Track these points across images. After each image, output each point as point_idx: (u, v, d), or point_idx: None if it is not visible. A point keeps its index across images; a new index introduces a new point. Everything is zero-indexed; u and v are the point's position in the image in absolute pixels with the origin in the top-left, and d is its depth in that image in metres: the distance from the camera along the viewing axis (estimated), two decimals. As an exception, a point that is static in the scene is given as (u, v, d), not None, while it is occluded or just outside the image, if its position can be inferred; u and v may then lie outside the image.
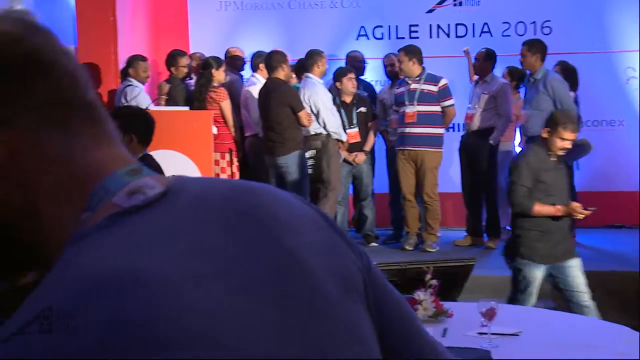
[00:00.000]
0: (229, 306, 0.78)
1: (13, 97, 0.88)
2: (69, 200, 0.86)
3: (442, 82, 7.04)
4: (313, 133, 7.08)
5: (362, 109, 7.26)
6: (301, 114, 6.72)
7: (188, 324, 0.75)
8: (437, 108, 7.27)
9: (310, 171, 7.18)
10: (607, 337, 3.58)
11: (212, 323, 0.76)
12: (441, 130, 7.29)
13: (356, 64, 7.95)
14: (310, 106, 6.98)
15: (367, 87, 8.16)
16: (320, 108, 7.05)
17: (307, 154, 7.03)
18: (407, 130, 7.24)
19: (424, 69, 7.21)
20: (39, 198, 0.87)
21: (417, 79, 7.29)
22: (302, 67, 7.42)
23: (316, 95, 7.08)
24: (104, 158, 0.89)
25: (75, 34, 7.46)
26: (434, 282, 3.67)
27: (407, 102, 7.22)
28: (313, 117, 7.00)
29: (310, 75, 7.18)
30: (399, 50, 7.48)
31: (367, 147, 7.52)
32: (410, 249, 7.06)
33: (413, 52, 7.29)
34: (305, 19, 9.17)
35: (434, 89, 7.30)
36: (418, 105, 7.18)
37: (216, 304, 0.77)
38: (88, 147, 0.89)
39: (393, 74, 7.87)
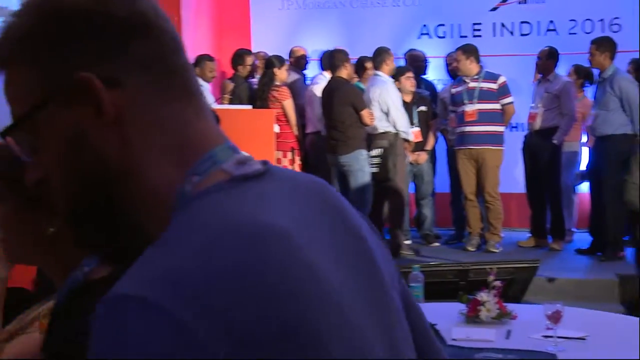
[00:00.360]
0: (335, 267, 0.85)
1: (119, 53, 0.89)
2: (174, 164, 0.88)
3: (501, 79, 6.99)
4: (381, 131, 7.03)
5: (423, 108, 7.23)
6: (364, 112, 6.71)
7: (310, 269, 0.81)
8: (497, 106, 7.23)
9: (375, 170, 7.09)
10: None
11: (321, 271, 0.83)
12: (502, 128, 7.23)
13: (417, 63, 7.92)
14: (380, 104, 6.94)
15: (429, 85, 8.11)
16: (391, 107, 7.01)
17: (374, 152, 7.00)
18: (468, 129, 7.17)
19: (481, 67, 7.16)
20: (140, 160, 0.88)
21: (476, 77, 7.25)
22: (362, 66, 7.40)
23: (387, 94, 7.03)
24: (208, 129, 0.92)
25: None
26: (498, 283, 3.64)
27: (466, 101, 7.17)
28: (382, 116, 6.94)
29: (379, 73, 7.13)
30: (456, 50, 7.43)
31: (429, 147, 7.49)
32: (473, 249, 7.02)
33: (470, 51, 7.22)
34: (367, 17, 9.13)
35: (494, 86, 7.26)
36: (478, 103, 7.14)
37: (324, 260, 0.84)
38: (192, 116, 0.91)
39: (455, 73, 7.79)
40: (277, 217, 0.85)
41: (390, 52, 7.23)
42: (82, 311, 1.28)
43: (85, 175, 0.91)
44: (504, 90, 7.00)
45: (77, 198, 0.93)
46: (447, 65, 8.06)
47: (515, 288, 4.45)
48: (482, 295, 3.48)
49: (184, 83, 0.93)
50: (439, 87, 8.29)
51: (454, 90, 7.37)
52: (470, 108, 7.13)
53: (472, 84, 7.18)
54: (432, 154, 7.70)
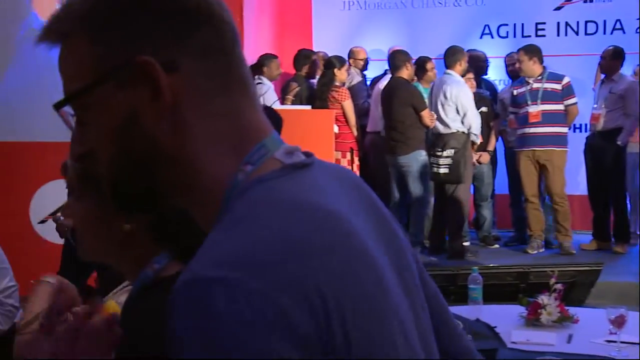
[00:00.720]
0: (378, 254, 0.89)
1: (181, 39, 0.90)
2: (227, 153, 0.90)
3: (565, 80, 6.91)
4: (455, 131, 6.99)
5: (483, 109, 7.19)
6: (424, 113, 6.70)
7: (367, 253, 0.85)
8: (561, 107, 7.11)
9: (445, 170, 7.07)
10: None
11: (374, 257, 0.87)
12: (565, 129, 7.13)
13: (478, 63, 7.87)
14: (456, 105, 6.90)
15: (489, 86, 8.07)
16: (468, 108, 6.97)
17: (446, 153, 6.95)
18: (532, 130, 7.10)
19: (545, 67, 7.07)
20: (192, 147, 0.90)
21: (539, 78, 7.16)
22: (422, 66, 7.39)
23: (464, 95, 7.01)
24: (261, 120, 0.94)
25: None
26: (559, 286, 3.61)
27: (529, 102, 7.08)
28: (456, 116, 6.90)
29: (452, 72, 7.08)
30: (518, 50, 7.37)
31: (490, 147, 7.47)
32: (533, 252, 6.97)
33: (533, 51, 7.14)
34: (428, 17, 9.11)
35: (558, 87, 7.15)
36: (542, 104, 7.03)
37: (372, 246, 0.88)
38: (246, 107, 0.93)
39: (515, 73, 7.72)
40: (333, 203, 0.88)
41: (464, 52, 7.19)
42: (152, 306, 1.35)
43: (132, 156, 0.92)
44: (568, 91, 6.93)
45: (121, 177, 0.94)
46: (507, 66, 7.99)
47: (577, 291, 4.39)
48: (543, 298, 3.46)
49: (240, 74, 0.95)
50: (501, 87, 8.21)
51: (516, 92, 7.29)
52: (534, 109, 7.06)
53: (535, 85, 7.11)
54: (493, 156, 7.66)
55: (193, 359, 0.77)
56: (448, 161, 6.99)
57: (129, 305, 1.57)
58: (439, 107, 7.16)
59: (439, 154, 7.02)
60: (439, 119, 7.03)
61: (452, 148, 7.03)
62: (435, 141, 7.08)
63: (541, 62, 7.14)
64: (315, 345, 0.78)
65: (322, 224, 0.85)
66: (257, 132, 0.94)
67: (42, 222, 6.64)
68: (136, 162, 0.93)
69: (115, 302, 1.89)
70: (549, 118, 7.03)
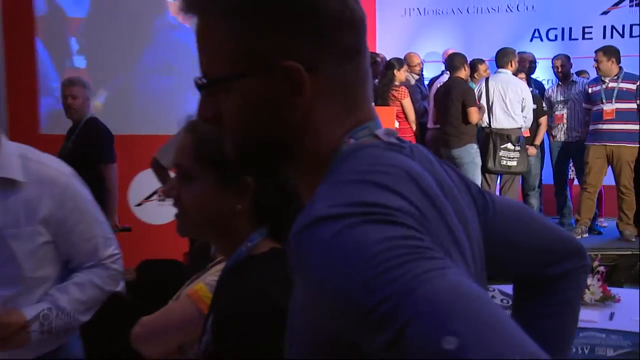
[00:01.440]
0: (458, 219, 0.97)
1: (325, 43, 0.93)
2: (341, 128, 0.95)
3: (640, 80, 6.93)
4: (520, 126, 7.06)
5: (533, 106, 7.26)
6: (472, 109, 6.79)
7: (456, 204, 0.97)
8: (634, 105, 7.10)
9: (514, 163, 7.12)
10: None
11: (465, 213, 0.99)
12: (637, 127, 7.13)
13: (527, 63, 7.93)
14: (522, 101, 6.97)
15: (538, 85, 8.13)
16: (529, 104, 7.02)
17: (517, 147, 7.01)
18: (605, 127, 7.06)
19: (621, 68, 7.09)
20: (315, 130, 0.95)
21: (615, 77, 7.14)
22: (474, 67, 7.46)
23: (527, 92, 7.07)
24: (370, 108, 1.00)
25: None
26: (602, 268, 3.66)
27: (604, 100, 7.09)
28: (520, 112, 6.95)
29: (506, 71, 7.19)
30: (596, 51, 7.29)
31: (537, 142, 7.50)
32: (578, 237, 6.95)
33: (611, 52, 7.12)
34: (482, 22, 9.16)
35: (632, 87, 7.12)
36: (616, 102, 7.08)
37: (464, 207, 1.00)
38: (363, 96, 0.99)
39: (563, 74, 7.71)
40: (421, 168, 0.94)
41: (515, 53, 7.23)
42: (244, 279, 1.47)
43: (261, 134, 0.96)
44: (643, 90, 6.95)
45: (247, 147, 0.98)
46: (554, 67, 7.95)
47: (618, 273, 4.51)
48: (587, 279, 3.53)
49: (366, 69, 0.99)
50: (547, 86, 8.23)
51: (591, 90, 7.25)
52: (609, 107, 7.05)
53: (611, 84, 7.08)
54: (541, 149, 7.72)
55: (335, 285, 0.79)
56: (517, 154, 7.03)
57: (224, 277, 1.60)
58: (506, 102, 7.12)
59: (511, 147, 7.00)
60: (506, 113, 6.98)
61: (519, 142, 7.07)
62: (499, 135, 7.04)
63: (618, 62, 7.13)
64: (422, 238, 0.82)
65: (417, 178, 0.90)
66: (365, 116, 0.98)
67: (139, 205, 7.08)
68: (265, 137, 0.97)
69: (204, 283, 1.92)
70: (622, 116, 7.02)
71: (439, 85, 7.44)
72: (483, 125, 7.14)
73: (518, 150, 7.05)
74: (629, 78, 7.13)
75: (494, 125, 7.05)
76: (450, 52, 7.57)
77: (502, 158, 6.99)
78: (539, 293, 1.26)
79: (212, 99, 0.98)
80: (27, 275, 2.34)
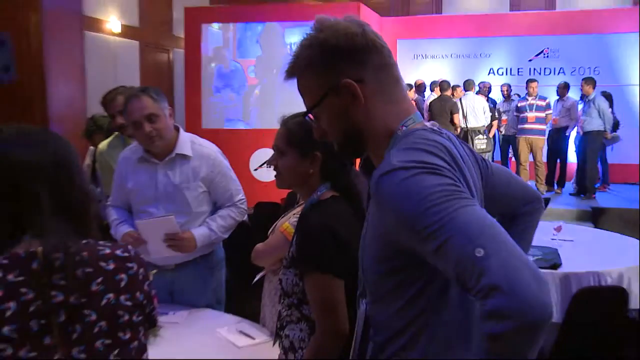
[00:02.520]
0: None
1: (362, 64, 1.20)
2: (393, 122, 1.22)
3: None
4: (484, 124, 8.76)
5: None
6: (456, 115, 8.55)
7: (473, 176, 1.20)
8: (543, 114, 8.61)
9: (484, 146, 8.66)
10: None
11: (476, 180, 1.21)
12: (544, 127, 8.61)
13: (486, 88, 9.54)
14: (483, 108, 8.79)
15: (492, 101, 9.63)
16: (487, 111, 8.79)
17: (484, 137, 8.80)
18: (527, 126, 8.56)
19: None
20: (375, 121, 1.23)
21: (534, 97, 8.55)
22: (454, 90, 9.12)
23: (485, 104, 8.82)
24: (409, 103, 1.25)
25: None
26: None
27: (528, 111, 8.58)
28: (481, 116, 8.69)
29: (470, 92, 8.83)
30: (527, 81, 8.72)
31: (491, 134, 9.20)
32: None
33: (534, 82, 8.55)
34: (461, 63, 10.59)
35: (543, 103, 8.63)
36: (535, 112, 8.56)
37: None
38: (400, 95, 1.24)
39: (506, 95, 9.55)
40: (457, 148, 1.16)
41: (474, 82, 9.08)
42: (315, 216, 1.80)
43: (347, 131, 1.25)
44: None
45: (342, 142, 1.29)
46: (502, 90, 9.69)
47: None
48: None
49: (396, 75, 1.23)
50: (498, 102, 9.81)
51: (520, 104, 8.76)
52: (531, 115, 8.61)
53: (531, 101, 8.63)
54: (493, 139, 9.37)
55: (404, 211, 1.05)
56: (485, 140, 8.88)
57: (303, 215, 1.86)
58: (475, 111, 8.75)
59: (481, 137, 8.71)
60: (475, 118, 8.68)
61: (485, 133, 8.83)
62: (473, 130, 8.70)
63: (536, 88, 8.61)
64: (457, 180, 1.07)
65: (446, 150, 1.12)
66: (407, 110, 1.22)
67: (256, 169, 8.38)
68: (348, 134, 1.25)
69: (288, 223, 2.27)
70: (537, 120, 8.60)
71: (432, 99, 9.18)
72: (462, 126, 8.84)
73: (486, 138, 8.94)
74: (541, 98, 8.97)
75: (469, 125, 8.93)
76: (441, 79, 9.49)
77: (477, 144, 8.78)
78: (514, 223, 1.51)
79: (318, 125, 1.30)
80: (193, 210, 2.84)
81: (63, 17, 7.96)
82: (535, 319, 0.91)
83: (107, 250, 1.35)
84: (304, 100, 1.30)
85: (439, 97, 9.32)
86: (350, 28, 1.21)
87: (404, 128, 1.21)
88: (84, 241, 1.34)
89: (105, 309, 1.31)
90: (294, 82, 1.27)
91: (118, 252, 1.37)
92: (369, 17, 9.48)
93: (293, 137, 1.88)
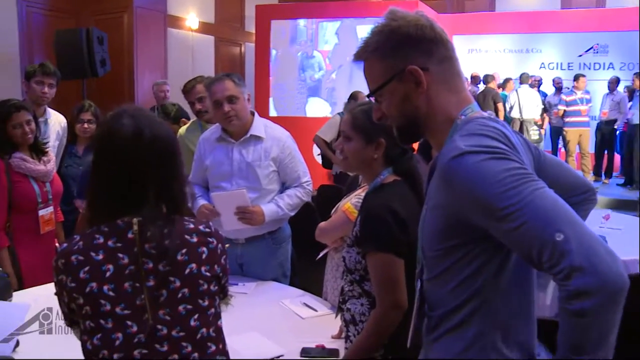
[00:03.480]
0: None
1: (428, 54, 1.19)
2: (454, 109, 1.21)
3: None
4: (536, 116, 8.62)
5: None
6: (500, 104, 8.45)
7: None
8: (587, 107, 8.57)
9: (537, 137, 8.57)
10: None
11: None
12: (587, 119, 8.62)
13: (537, 82, 9.38)
14: (535, 100, 8.63)
15: (543, 94, 9.43)
16: (539, 104, 8.63)
17: (536, 127, 8.66)
18: (576, 119, 8.52)
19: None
20: (435, 108, 1.22)
21: (582, 91, 8.48)
22: (506, 83, 9.24)
23: (538, 97, 8.71)
24: (467, 95, 1.23)
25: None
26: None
27: (579, 104, 8.51)
28: (535, 108, 8.59)
29: (525, 85, 8.68)
30: (577, 76, 8.62)
31: (544, 126, 9.07)
32: None
33: (582, 77, 8.48)
34: (516, 57, 10.32)
35: (588, 96, 8.59)
36: (585, 105, 8.49)
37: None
38: (460, 85, 1.23)
39: (557, 88, 9.30)
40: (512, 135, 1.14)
41: (529, 76, 8.89)
42: (378, 197, 1.81)
43: (407, 116, 1.24)
44: None
45: (401, 125, 1.27)
46: (554, 83, 9.43)
47: None
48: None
49: (458, 68, 1.23)
50: (548, 94, 9.58)
51: (568, 98, 8.60)
52: (583, 107, 8.55)
53: (580, 95, 8.50)
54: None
55: (478, 193, 1.04)
56: (538, 131, 8.78)
57: (367, 197, 1.85)
58: (529, 102, 8.60)
59: (535, 128, 8.58)
60: (529, 109, 8.52)
61: (537, 124, 8.73)
62: (528, 121, 8.55)
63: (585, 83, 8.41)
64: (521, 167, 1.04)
65: (505, 136, 1.12)
66: (466, 100, 1.21)
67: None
68: (409, 118, 1.23)
69: (350, 203, 2.27)
70: (585, 113, 8.50)
71: (478, 92, 9.10)
72: (517, 117, 8.69)
73: (538, 128, 8.90)
74: (586, 92, 8.93)
75: (524, 116, 8.85)
76: (486, 73, 9.49)
77: (531, 134, 8.70)
78: None
79: (378, 106, 1.28)
80: (264, 187, 2.87)
81: (150, 17, 8.39)
82: (617, 289, 0.94)
83: (192, 226, 1.42)
84: (367, 84, 1.28)
85: (484, 89, 9.28)
86: (421, 20, 1.20)
87: (462, 117, 1.20)
88: (172, 216, 1.40)
89: (188, 278, 1.37)
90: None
91: (201, 227, 1.43)
92: (427, 14, 9.27)
93: (358, 124, 1.86)
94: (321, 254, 2.50)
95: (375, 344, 1.74)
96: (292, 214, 2.95)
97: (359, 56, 1.26)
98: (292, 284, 3.01)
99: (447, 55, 1.22)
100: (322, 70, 9.35)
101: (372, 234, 1.74)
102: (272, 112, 9.23)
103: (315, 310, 2.50)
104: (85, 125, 4.08)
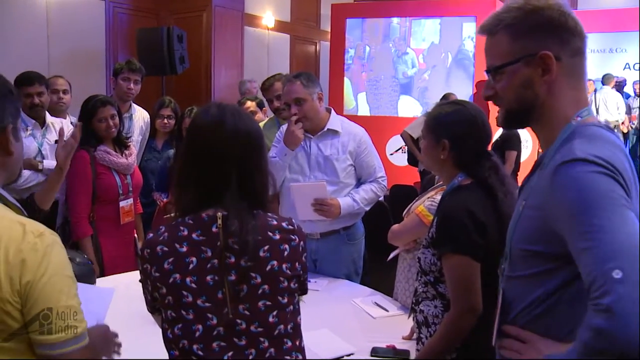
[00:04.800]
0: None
1: (565, 43, 1.15)
2: (572, 108, 1.17)
3: None
4: (617, 119, 8.39)
5: None
6: None
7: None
8: None
9: None
10: None
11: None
12: None
13: (619, 83, 9.14)
14: (616, 103, 8.32)
15: (625, 96, 9.19)
16: (621, 106, 8.39)
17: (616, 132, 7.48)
18: None
19: None
20: (554, 101, 1.18)
21: None
22: None
23: (620, 99, 8.43)
24: (586, 96, 1.19)
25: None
26: None
27: None
28: (614, 111, 8.29)
29: (607, 87, 8.40)
30: None
31: (624, 129, 9.01)
32: None
33: None
34: (598, 59, 9.38)
35: None
36: None
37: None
38: (582, 87, 1.19)
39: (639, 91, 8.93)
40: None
41: (613, 77, 8.68)
42: (455, 200, 1.78)
43: (523, 102, 1.20)
44: None
45: (512, 109, 1.22)
46: (634, 87, 9.10)
47: None
48: None
49: (585, 65, 1.18)
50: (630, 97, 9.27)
51: None
52: None
53: None
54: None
55: (574, 202, 1.01)
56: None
57: (443, 199, 1.84)
58: (607, 105, 8.37)
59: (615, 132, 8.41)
60: (607, 112, 8.25)
61: (616, 129, 8.43)
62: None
63: None
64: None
65: (622, 152, 1.08)
66: (584, 101, 1.18)
67: (392, 154, 8.13)
68: (524, 104, 1.19)
69: (423, 206, 2.25)
70: None
71: None
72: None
73: (620, 132, 8.53)
74: None
75: (605, 119, 8.39)
76: None
77: None
78: None
79: (492, 85, 1.22)
80: (342, 181, 2.91)
81: (228, 15, 8.54)
82: (624, 352, 0.93)
83: (275, 222, 1.42)
84: (488, 58, 1.23)
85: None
86: (563, 7, 1.16)
87: (578, 118, 1.16)
88: (255, 211, 1.40)
89: (268, 274, 1.37)
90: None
91: (284, 224, 1.43)
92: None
93: (430, 123, 1.89)
94: (392, 255, 2.48)
95: (447, 346, 1.72)
96: (367, 208, 2.96)
97: (487, 29, 1.21)
98: (363, 283, 3.01)
99: (581, 49, 1.18)
100: (414, 68, 9.17)
101: (449, 236, 1.72)
102: (364, 111, 9.14)
103: (387, 311, 2.49)
104: (165, 121, 4.23)
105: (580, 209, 1.00)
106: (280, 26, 10.59)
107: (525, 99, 1.19)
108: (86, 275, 2.50)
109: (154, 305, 1.43)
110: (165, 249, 1.36)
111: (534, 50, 1.15)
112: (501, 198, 1.73)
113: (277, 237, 1.39)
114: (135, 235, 3.31)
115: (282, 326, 1.39)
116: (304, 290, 1.50)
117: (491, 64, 1.22)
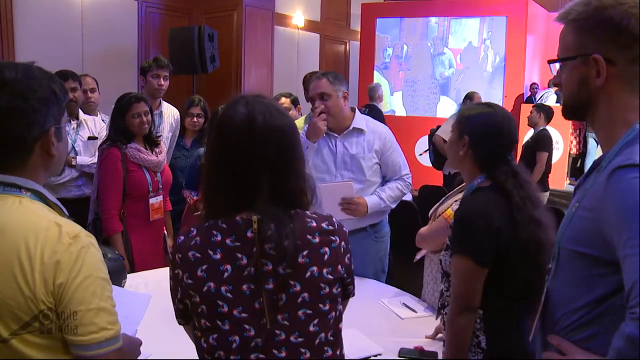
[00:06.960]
0: None
1: (623, 48, 1.12)
2: (631, 112, 1.13)
3: None
4: None
5: None
6: None
7: None
8: None
9: None
10: None
11: None
12: None
13: None
14: None
15: None
16: None
17: None
18: None
19: None
20: (613, 100, 1.15)
21: None
22: None
23: None
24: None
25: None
26: None
27: None
28: None
29: None
30: None
31: None
32: None
33: None
34: None
35: None
36: None
37: None
38: (636, 94, 1.13)
39: None
40: None
41: None
42: (475, 200, 1.78)
43: (579, 98, 1.20)
44: None
45: (569, 102, 1.23)
46: None
47: None
48: None
49: (638, 75, 1.12)
50: None
51: None
52: None
53: None
54: None
55: (628, 209, 0.99)
56: None
57: (464, 199, 1.85)
58: None
59: None
60: None
61: None
62: None
63: None
64: None
65: None
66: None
67: (421, 154, 8.23)
68: (579, 101, 1.21)
69: (450, 209, 2.26)
70: None
71: None
72: None
73: None
74: None
75: None
76: None
77: None
78: None
79: (559, 74, 1.24)
80: (368, 179, 2.94)
81: (259, 15, 8.61)
82: None
83: (314, 224, 1.33)
84: (560, 47, 1.23)
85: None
86: (633, 8, 1.11)
87: (637, 125, 1.13)
88: (292, 211, 1.32)
89: (308, 281, 1.29)
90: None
91: (324, 225, 1.34)
92: (537, 12, 9.11)
93: (458, 119, 1.90)
94: (418, 256, 2.48)
95: (455, 347, 1.72)
96: (393, 206, 2.99)
97: (560, 18, 1.21)
98: (388, 283, 3.01)
99: (637, 57, 1.14)
100: (452, 68, 9.15)
101: (457, 237, 1.73)
102: (400, 111, 9.11)
103: (415, 312, 2.48)
104: (195, 120, 4.25)
105: (629, 215, 0.99)
106: (310, 25, 10.67)
107: (580, 96, 1.19)
108: (118, 271, 2.51)
109: (184, 314, 1.35)
110: (198, 255, 1.28)
111: (590, 51, 1.14)
112: (517, 202, 1.71)
113: (317, 240, 1.30)
114: (165, 232, 3.34)
115: (323, 334, 1.32)
116: (348, 294, 1.41)
117: (558, 53, 1.23)
